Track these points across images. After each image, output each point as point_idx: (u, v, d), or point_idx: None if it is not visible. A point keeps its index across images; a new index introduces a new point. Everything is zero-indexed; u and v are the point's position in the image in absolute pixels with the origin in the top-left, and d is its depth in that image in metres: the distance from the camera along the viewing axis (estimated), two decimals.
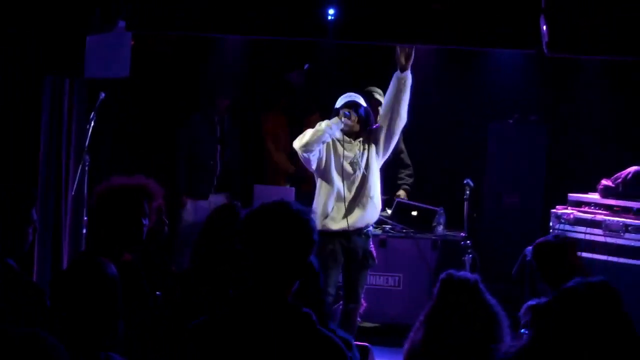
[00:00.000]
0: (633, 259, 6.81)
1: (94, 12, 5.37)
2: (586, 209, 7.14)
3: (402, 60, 6.03)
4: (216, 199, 7.46)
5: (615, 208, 7.00)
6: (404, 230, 7.51)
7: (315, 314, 2.62)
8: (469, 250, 6.93)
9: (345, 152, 6.20)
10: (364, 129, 6.24)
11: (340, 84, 7.35)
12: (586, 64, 8.30)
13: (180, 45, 8.35)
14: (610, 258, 6.85)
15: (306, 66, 8.31)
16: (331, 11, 7.42)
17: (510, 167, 8.27)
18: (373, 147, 6.24)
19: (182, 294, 4.25)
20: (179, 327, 3.16)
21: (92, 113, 6.29)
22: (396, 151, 7.15)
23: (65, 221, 6.19)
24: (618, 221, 6.89)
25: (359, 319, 6.47)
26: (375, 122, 6.31)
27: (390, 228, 7.55)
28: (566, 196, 7.33)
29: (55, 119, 6.05)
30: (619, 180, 7.07)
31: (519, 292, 6.68)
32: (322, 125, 6.09)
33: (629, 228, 6.84)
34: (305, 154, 6.11)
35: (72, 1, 5.35)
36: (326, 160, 6.20)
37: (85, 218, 6.21)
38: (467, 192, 6.98)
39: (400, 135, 6.41)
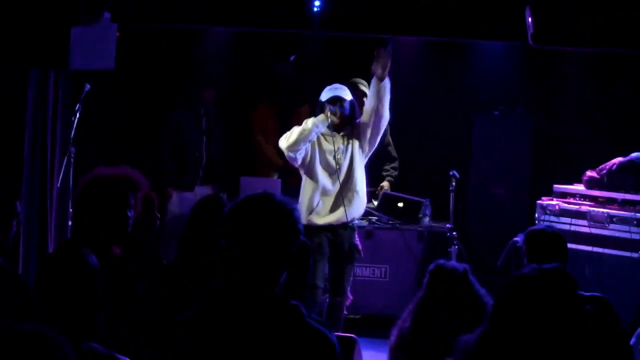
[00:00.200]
0: (617, 249, 6.82)
1: (79, 3, 5.34)
2: (571, 200, 7.16)
3: (379, 71, 5.95)
4: (202, 191, 7.42)
5: (600, 199, 7.02)
6: (390, 222, 7.52)
7: (303, 304, 2.62)
8: (455, 242, 6.95)
9: (330, 147, 6.16)
10: (349, 123, 6.21)
11: (329, 75, 7.31)
12: (571, 56, 8.32)
13: (166, 36, 8.32)
14: (595, 249, 6.87)
15: (292, 57, 8.27)
16: (317, 2, 7.39)
17: (495, 158, 8.29)
18: (357, 141, 6.21)
19: (169, 285, 4.24)
20: (166, 319, 3.15)
21: (78, 105, 6.27)
22: (383, 143, 7.14)
23: (51, 213, 6.17)
24: (603, 212, 6.90)
25: (345, 312, 6.48)
26: (360, 114, 6.28)
27: (376, 219, 7.55)
28: (552, 187, 7.35)
29: (41, 111, 6.03)
30: (604, 172, 7.08)
31: (504, 282, 6.69)
32: (309, 124, 6.04)
33: (614, 219, 6.85)
34: (291, 154, 6.08)
35: None
36: (311, 156, 6.17)
37: (71, 210, 6.20)
38: (453, 183, 7.00)
39: (387, 127, 6.40)
